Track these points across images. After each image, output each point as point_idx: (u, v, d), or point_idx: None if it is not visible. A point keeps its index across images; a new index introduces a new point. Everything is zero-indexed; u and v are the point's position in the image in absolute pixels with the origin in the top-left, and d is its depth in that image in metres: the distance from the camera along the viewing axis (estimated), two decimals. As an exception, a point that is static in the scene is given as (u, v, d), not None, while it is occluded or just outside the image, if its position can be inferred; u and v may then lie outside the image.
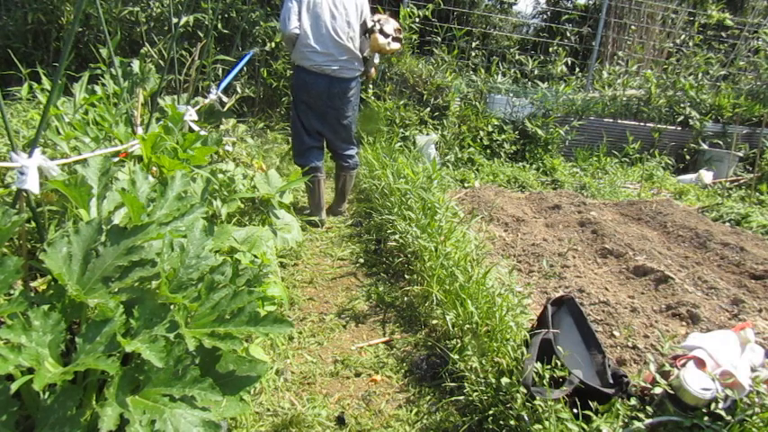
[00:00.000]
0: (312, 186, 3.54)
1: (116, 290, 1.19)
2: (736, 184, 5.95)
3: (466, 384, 1.82)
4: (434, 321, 2.33)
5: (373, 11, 3.63)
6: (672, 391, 1.55)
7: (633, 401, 1.60)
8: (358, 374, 2.03)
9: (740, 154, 6.49)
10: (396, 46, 3.38)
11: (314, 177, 3.49)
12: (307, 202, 3.78)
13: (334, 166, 3.84)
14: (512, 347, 1.82)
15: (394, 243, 2.97)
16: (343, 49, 3.29)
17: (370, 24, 3.33)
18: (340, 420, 1.76)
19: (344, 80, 3.36)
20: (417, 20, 5.97)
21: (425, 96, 5.72)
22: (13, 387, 0.95)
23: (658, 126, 6.59)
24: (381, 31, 3.28)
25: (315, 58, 3.26)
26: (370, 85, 5.52)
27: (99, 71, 3.29)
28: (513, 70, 6.83)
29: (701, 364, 1.61)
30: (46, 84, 2.81)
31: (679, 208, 4.37)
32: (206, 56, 4.56)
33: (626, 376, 1.67)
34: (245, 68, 5.44)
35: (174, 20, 4.29)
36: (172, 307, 1.21)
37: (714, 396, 1.48)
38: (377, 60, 3.63)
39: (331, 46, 3.26)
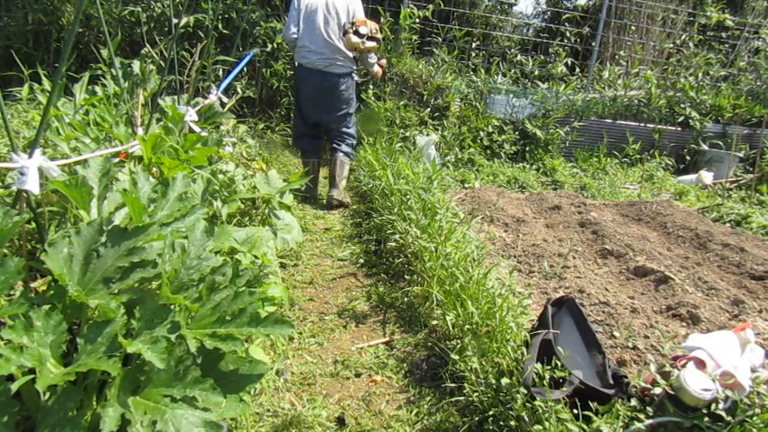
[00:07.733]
0: (307, 166, 4.14)
1: (117, 290, 1.19)
2: (736, 184, 5.95)
3: (466, 385, 1.82)
4: (434, 322, 2.33)
5: (375, 12, 3.93)
6: (672, 392, 1.55)
7: (633, 402, 1.60)
8: (358, 375, 2.04)
9: (740, 155, 6.49)
10: (371, 44, 3.94)
11: (308, 158, 4.20)
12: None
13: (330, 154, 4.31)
14: (512, 348, 1.82)
15: (394, 243, 2.97)
16: (333, 48, 3.90)
17: (346, 27, 3.91)
18: (340, 421, 1.76)
19: (334, 75, 3.96)
20: (417, 20, 5.97)
21: (425, 97, 5.72)
22: (14, 387, 0.95)
23: (658, 127, 6.59)
24: (356, 32, 3.86)
25: (310, 57, 3.90)
26: (371, 86, 5.52)
27: (99, 72, 3.28)
28: (513, 71, 6.82)
29: (701, 364, 1.61)
30: (46, 84, 2.81)
31: (679, 208, 4.37)
32: (206, 56, 4.57)
33: (626, 377, 1.67)
34: (245, 69, 5.45)
35: (175, 20, 4.30)
36: (173, 308, 1.21)
37: (714, 397, 1.48)
38: (373, 59, 4.13)
39: (323, 46, 3.87)
